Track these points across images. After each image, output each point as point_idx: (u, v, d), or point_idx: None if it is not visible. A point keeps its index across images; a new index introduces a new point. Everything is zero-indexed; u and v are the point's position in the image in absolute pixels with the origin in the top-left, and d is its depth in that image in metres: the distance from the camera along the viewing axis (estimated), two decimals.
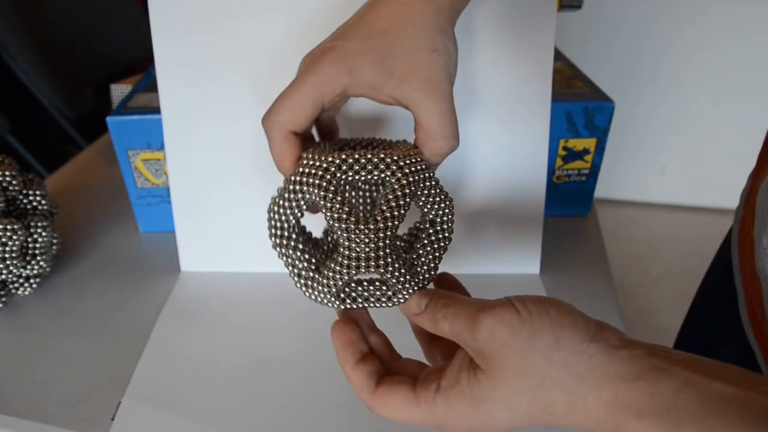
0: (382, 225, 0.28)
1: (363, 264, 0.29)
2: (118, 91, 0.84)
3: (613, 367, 0.23)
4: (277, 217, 0.31)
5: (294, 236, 0.31)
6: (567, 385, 0.24)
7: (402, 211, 0.29)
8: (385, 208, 0.28)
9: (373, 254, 0.28)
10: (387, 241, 0.28)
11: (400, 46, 0.31)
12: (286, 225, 0.31)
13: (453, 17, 0.33)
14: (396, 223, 0.28)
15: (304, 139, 0.33)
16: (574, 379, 0.24)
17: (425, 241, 0.31)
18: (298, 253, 0.31)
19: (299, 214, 0.31)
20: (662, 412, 0.21)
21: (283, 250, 0.31)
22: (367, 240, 0.28)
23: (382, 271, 0.29)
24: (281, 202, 0.31)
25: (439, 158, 0.33)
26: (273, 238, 0.31)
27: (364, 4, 0.33)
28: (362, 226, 0.28)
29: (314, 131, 0.37)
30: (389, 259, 0.29)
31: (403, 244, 0.34)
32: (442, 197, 0.31)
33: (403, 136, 0.36)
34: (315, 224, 0.35)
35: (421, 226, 0.32)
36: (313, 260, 0.31)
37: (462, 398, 0.26)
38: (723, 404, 0.21)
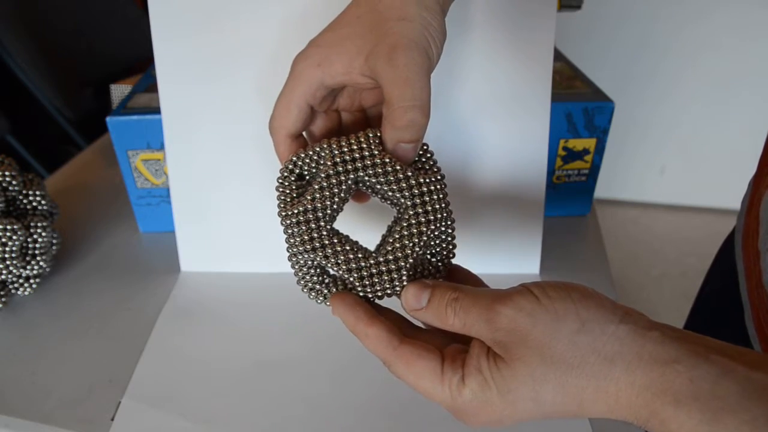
0: (310, 206, 0.29)
1: (301, 249, 0.29)
2: (118, 91, 0.85)
3: (645, 349, 0.22)
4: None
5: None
6: (597, 370, 0.22)
7: (326, 193, 0.29)
8: (315, 187, 0.29)
9: (306, 236, 0.29)
10: (320, 223, 0.29)
11: (370, 24, 0.30)
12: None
13: None
14: (318, 205, 0.29)
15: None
16: (605, 363, 0.22)
17: (395, 228, 0.30)
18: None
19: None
20: (701, 400, 0.20)
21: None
22: (295, 221, 0.29)
23: (320, 255, 0.29)
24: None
25: (405, 134, 0.29)
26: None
27: None
28: (289, 211, 0.29)
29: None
30: (326, 242, 0.29)
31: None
32: (401, 177, 0.29)
33: None
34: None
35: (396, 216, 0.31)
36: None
37: (485, 387, 0.24)
38: (765, 394, 0.20)
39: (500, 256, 0.53)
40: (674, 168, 1.79)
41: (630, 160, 1.79)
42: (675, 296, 1.53)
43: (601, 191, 0.67)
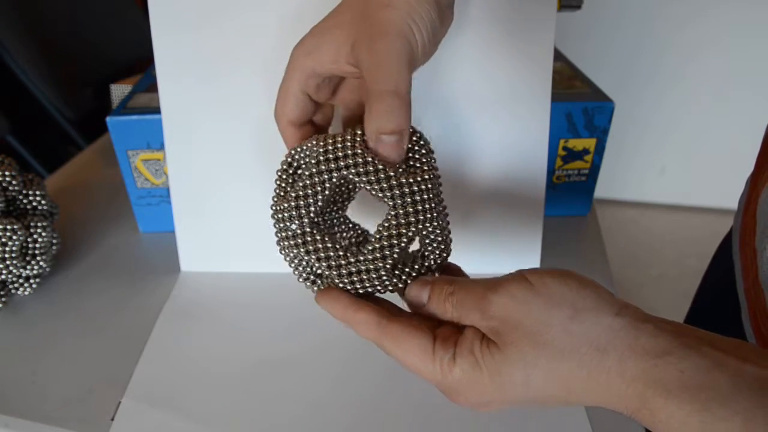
0: (294, 203, 0.29)
1: (293, 243, 0.29)
2: (118, 91, 0.84)
3: (638, 341, 0.22)
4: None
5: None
6: (588, 360, 0.22)
7: (309, 191, 0.29)
8: (300, 185, 0.29)
9: (299, 231, 0.29)
10: (303, 220, 0.29)
11: (358, 12, 0.30)
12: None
13: None
14: (301, 202, 0.29)
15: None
16: (597, 353, 0.22)
17: (377, 229, 0.29)
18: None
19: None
20: (691, 391, 0.20)
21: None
22: (280, 217, 0.29)
23: (303, 250, 0.29)
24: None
25: (383, 122, 0.27)
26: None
27: None
28: (278, 206, 0.30)
29: None
30: (308, 239, 0.29)
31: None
32: (383, 177, 0.28)
33: None
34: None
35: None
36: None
37: (476, 368, 0.24)
38: (756, 387, 0.20)
39: (500, 256, 0.53)
40: (674, 168, 1.79)
41: (630, 160, 1.78)
42: (674, 296, 1.52)
43: (601, 191, 0.67)
